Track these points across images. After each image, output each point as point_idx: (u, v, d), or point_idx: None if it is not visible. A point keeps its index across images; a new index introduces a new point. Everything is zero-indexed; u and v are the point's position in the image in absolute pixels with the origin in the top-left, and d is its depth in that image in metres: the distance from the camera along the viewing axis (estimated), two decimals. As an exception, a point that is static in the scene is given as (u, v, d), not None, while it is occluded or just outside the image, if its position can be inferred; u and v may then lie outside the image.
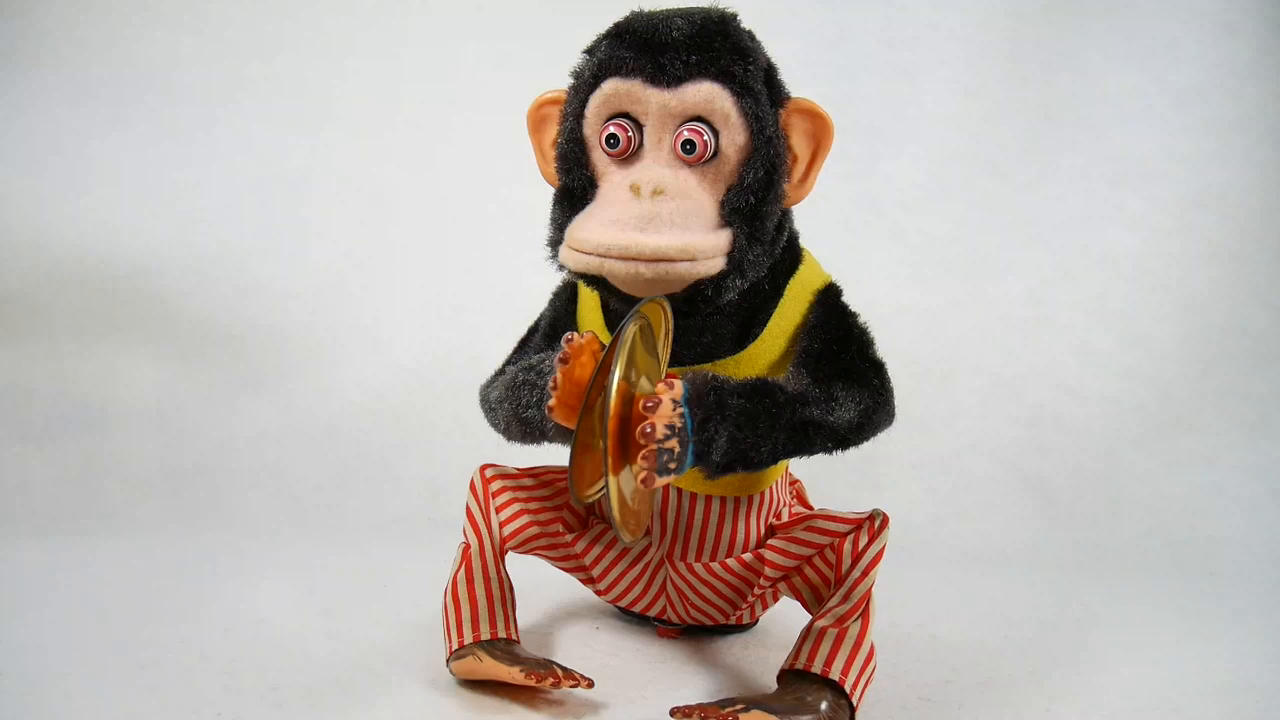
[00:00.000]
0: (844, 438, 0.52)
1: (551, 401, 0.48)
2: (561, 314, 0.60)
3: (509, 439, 0.56)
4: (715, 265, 0.50)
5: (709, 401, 0.47)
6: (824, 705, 0.50)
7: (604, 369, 0.46)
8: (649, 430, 0.44)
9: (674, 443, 0.45)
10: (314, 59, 1.17)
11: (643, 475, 0.44)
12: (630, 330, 0.45)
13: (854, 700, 0.51)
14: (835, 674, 0.51)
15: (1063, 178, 1.16)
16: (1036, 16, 1.16)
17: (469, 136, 1.16)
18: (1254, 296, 1.10)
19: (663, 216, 0.49)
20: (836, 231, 1.10)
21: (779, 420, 0.49)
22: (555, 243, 0.53)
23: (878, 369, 0.55)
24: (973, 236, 1.15)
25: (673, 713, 0.50)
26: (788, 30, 1.16)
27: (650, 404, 0.45)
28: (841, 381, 0.53)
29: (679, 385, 0.46)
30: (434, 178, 1.17)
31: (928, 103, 1.17)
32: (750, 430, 0.47)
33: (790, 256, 0.57)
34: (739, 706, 0.49)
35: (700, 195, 0.51)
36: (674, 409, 0.45)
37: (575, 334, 0.48)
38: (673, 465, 0.45)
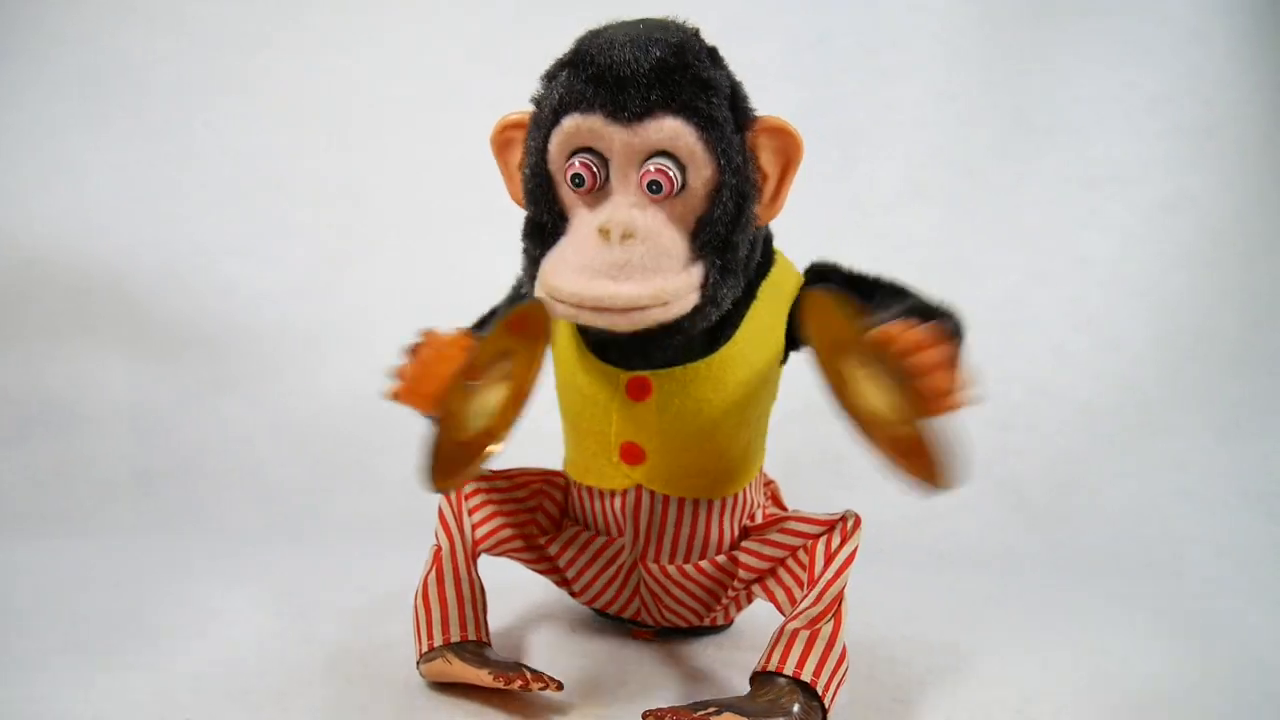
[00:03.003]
0: (957, 324, 0.55)
1: (397, 387, 0.49)
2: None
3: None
4: (689, 303, 0.50)
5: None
6: (796, 707, 0.50)
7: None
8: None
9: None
10: (291, 58, 1.17)
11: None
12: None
13: (826, 701, 0.51)
14: (806, 675, 0.51)
15: (1038, 181, 1.16)
16: (1012, 21, 1.17)
17: (447, 136, 1.15)
18: (1226, 300, 1.11)
19: (634, 263, 0.48)
20: (813, 233, 1.10)
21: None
22: (531, 276, 0.52)
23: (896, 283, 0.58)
24: (948, 239, 1.16)
25: (645, 716, 0.50)
26: (766, 33, 1.17)
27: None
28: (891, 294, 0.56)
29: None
30: (412, 177, 1.16)
31: (905, 106, 1.18)
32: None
33: (763, 259, 0.57)
34: (712, 710, 0.49)
35: (669, 233, 0.50)
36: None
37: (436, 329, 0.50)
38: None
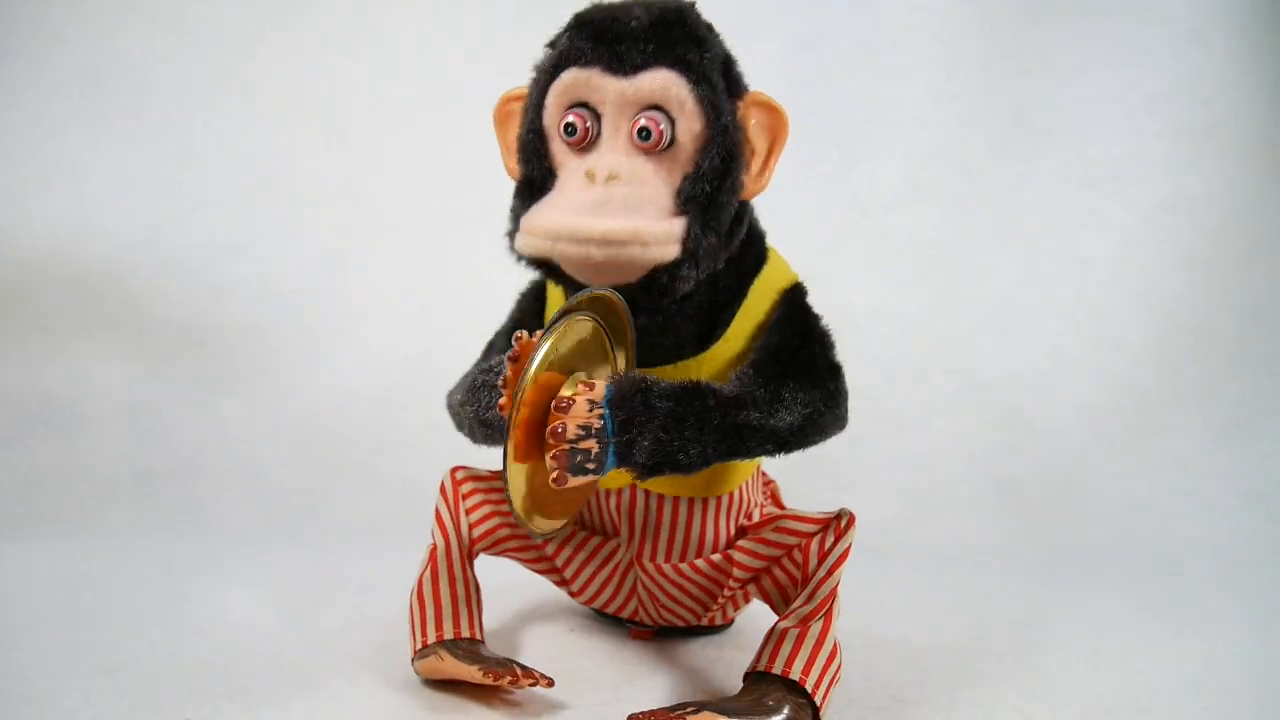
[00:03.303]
0: (784, 441, 0.52)
1: (502, 400, 0.47)
2: (528, 314, 0.60)
3: (474, 442, 0.56)
4: (669, 252, 0.50)
5: (635, 404, 0.47)
6: (787, 708, 0.49)
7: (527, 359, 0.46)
8: (559, 430, 0.45)
9: (590, 443, 0.46)
10: (291, 58, 1.17)
11: (554, 475, 0.45)
12: (562, 323, 0.47)
13: (817, 700, 0.51)
14: (796, 674, 0.51)
15: (1037, 181, 1.17)
16: (1012, 21, 1.17)
17: (447, 136, 1.15)
18: (1224, 300, 1.11)
19: (615, 201, 0.49)
20: (812, 232, 1.11)
21: (708, 423, 0.49)
22: (513, 234, 0.53)
23: (834, 372, 0.55)
24: (948, 239, 1.16)
25: (630, 719, 0.50)
26: (766, 32, 1.17)
27: (563, 404, 0.46)
28: (794, 381, 0.53)
29: (600, 386, 0.47)
30: (412, 177, 1.16)
31: (905, 106, 1.18)
32: (677, 433, 0.48)
33: (755, 256, 0.57)
34: (690, 708, 0.49)
35: (655, 182, 0.51)
36: (590, 409, 0.46)
37: (524, 332, 0.48)
38: (590, 465, 0.46)
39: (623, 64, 0.51)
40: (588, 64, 0.51)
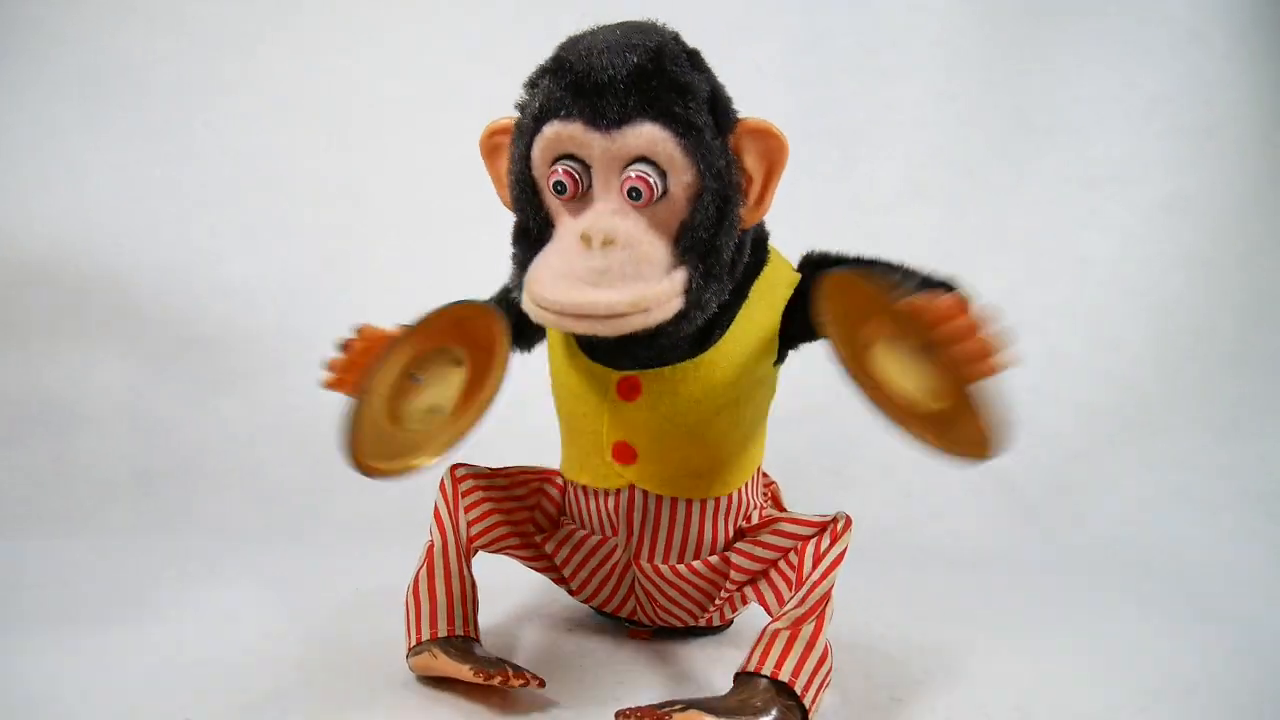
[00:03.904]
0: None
1: (333, 378, 0.51)
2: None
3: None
4: (672, 308, 0.50)
5: None
6: (775, 710, 0.49)
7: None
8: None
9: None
10: (291, 59, 1.17)
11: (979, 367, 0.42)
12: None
13: (807, 702, 0.51)
14: (785, 675, 0.51)
15: (1037, 181, 1.16)
16: (1012, 22, 1.17)
17: (447, 136, 1.15)
18: (1223, 300, 1.11)
19: (613, 269, 0.49)
20: (812, 233, 1.10)
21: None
22: (518, 281, 0.53)
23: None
24: (947, 239, 1.16)
25: (618, 716, 0.50)
26: (765, 33, 1.17)
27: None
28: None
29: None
30: (412, 177, 1.16)
31: (904, 106, 1.18)
32: None
33: (756, 259, 0.56)
34: (677, 706, 0.49)
35: (650, 239, 0.50)
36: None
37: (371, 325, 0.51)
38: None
39: (604, 118, 0.49)
40: (569, 117, 0.50)
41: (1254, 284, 1.12)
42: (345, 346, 0.51)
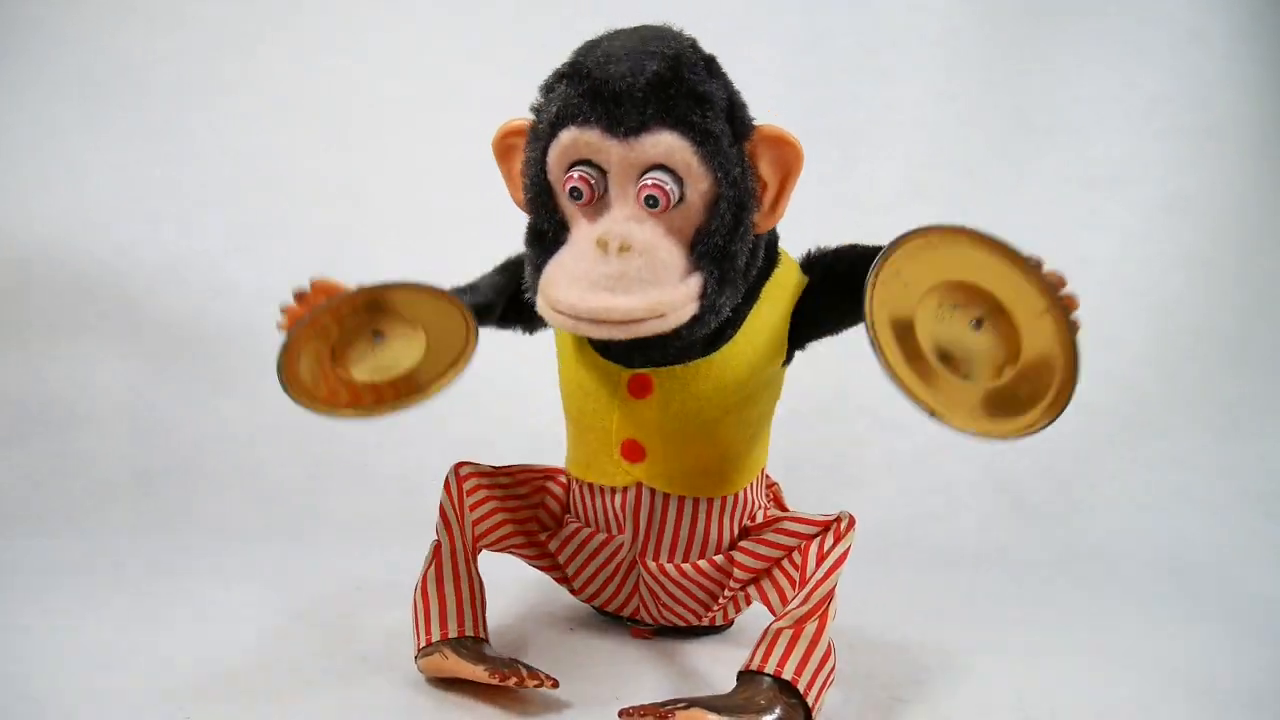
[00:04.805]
0: None
1: (283, 321, 0.51)
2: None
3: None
4: (687, 313, 0.50)
5: None
6: (778, 708, 0.49)
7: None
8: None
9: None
10: (291, 58, 1.16)
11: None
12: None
13: (810, 701, 0.51)
14: (788, 674, 0.51)
15: (1036, 181, 1.16)
16: (1012, 22, 1.17)
17: (447, 136, 1.15)
18: (1223, 300, 1.11)
19: (630, 275, 0.49)
20: (812, 233, 1.10)
21: None
22: (533, 284, 0.53)
23: None
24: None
25: (621, 714, 0.50)
26: (765, 34, 1.17)
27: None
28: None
29: None
30: (412, 177, 1.16)
31: (904, 106, 1.18)
32: None
33: (768, 260, 0.57)
34: (679, 705, 0.49)
35: (666, 245, 0.51)
36: None
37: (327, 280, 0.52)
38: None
39: (621, 125, 0.49)
40: (586, 124, 0.50)
41: (1254, 284, 1.12)
42: (298, 296, 0.53)
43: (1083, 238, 1.15)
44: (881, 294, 0.48)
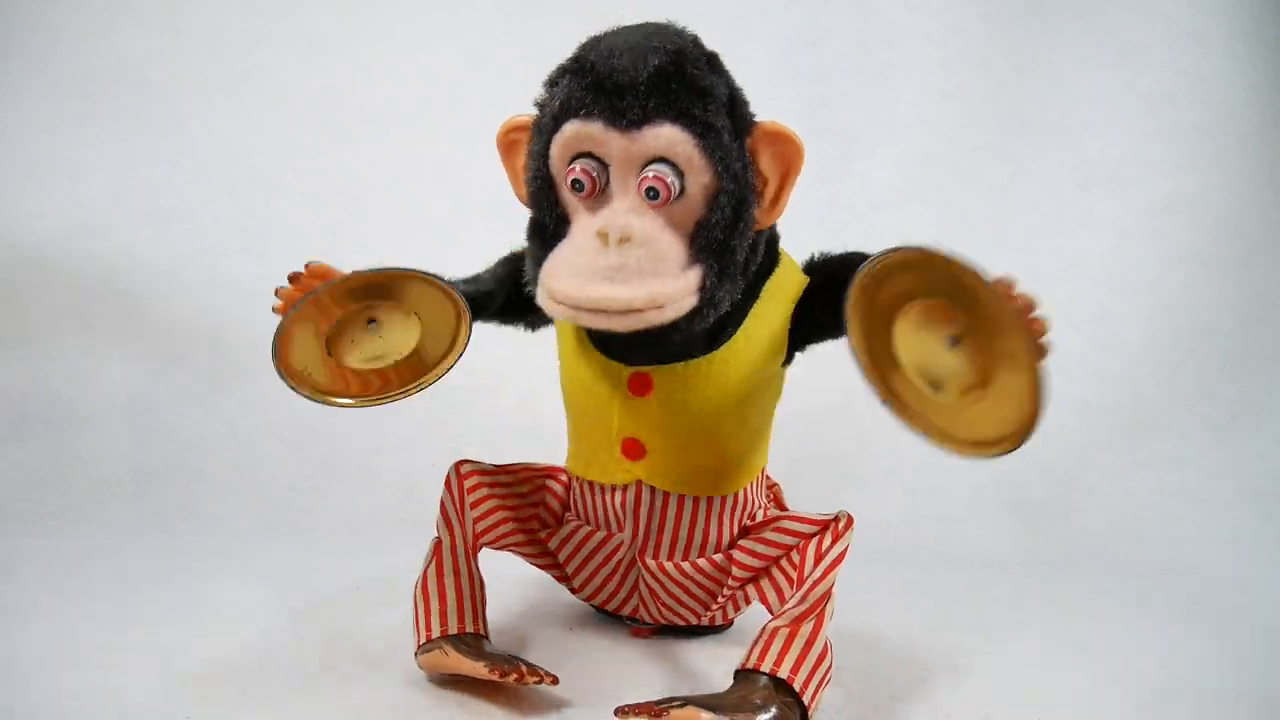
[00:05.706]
0: None
1: (281, 305, 0.53)
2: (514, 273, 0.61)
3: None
4: (686, 305, 0.51)
5: None
6: (774, 707, 0.49)
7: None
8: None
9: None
10: (289, 57, 1.17)
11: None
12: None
13: (806, 699, 0.51)
14: (784, 673, 0.51)
15: (1034, 181, 1.16)
16: (1010, 21, 1.17)
17: (447, 136, 1.15)
18: (1222, 300, 1.11)
19: (630, 266, 0.50)
20: (809, 233, 1.10)
21: None
22: (534, 276, 0.53)
23: None
24: (945, 239, 1.15)
25: (616, 712, 0.50)
26: (762, 32, 1.17)
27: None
28: None
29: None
30: (408, 175, 1.16)
31: (901, 105, 1.18)
32: None
33: (769, 259, 0.57)
34: (675, 703, 0.49)
35: (667, 238, 0.51)
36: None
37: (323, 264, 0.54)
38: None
39: (624, 118, 0.50)
40: (589, 116, 0.51)
41: (1252, 283, 1.12)
42: (293, 278, 0.54)
43: (1081, 237, 1.15)
44: (861, 304, 0.48)
